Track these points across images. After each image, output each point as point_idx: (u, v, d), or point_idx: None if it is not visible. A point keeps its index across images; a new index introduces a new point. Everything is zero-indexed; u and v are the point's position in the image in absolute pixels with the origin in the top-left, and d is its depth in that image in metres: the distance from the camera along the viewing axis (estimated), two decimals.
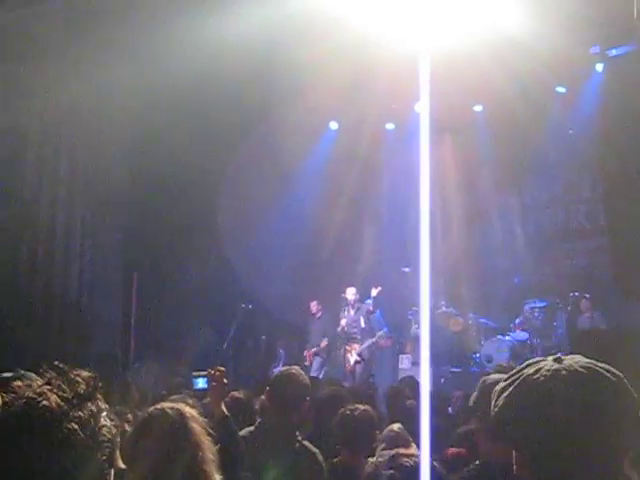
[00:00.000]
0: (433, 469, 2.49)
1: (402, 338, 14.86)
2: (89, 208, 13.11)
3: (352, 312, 13.83)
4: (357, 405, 5.50)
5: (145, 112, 12.73)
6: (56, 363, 1.70)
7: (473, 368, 13.68)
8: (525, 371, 1.88)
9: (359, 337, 13.69)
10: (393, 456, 2.53)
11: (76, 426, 1.61)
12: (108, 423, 1.70)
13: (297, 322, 15.40)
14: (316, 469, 4.75)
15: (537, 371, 1.85)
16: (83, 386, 1.67)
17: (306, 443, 4.84)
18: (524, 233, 16.01)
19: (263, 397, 6.35)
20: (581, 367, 1.83)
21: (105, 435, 1.66)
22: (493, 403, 1.91)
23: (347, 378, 13.27)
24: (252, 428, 4.88)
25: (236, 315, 14.45)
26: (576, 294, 13.66)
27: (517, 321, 14.24)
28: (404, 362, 14.11)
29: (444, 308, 14.62)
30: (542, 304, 14.09)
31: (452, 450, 5.22)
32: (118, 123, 12.94)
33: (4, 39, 11.12)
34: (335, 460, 5.10)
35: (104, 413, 1.71)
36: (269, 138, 14.19)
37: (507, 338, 13.93)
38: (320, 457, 4.83)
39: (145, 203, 13.78)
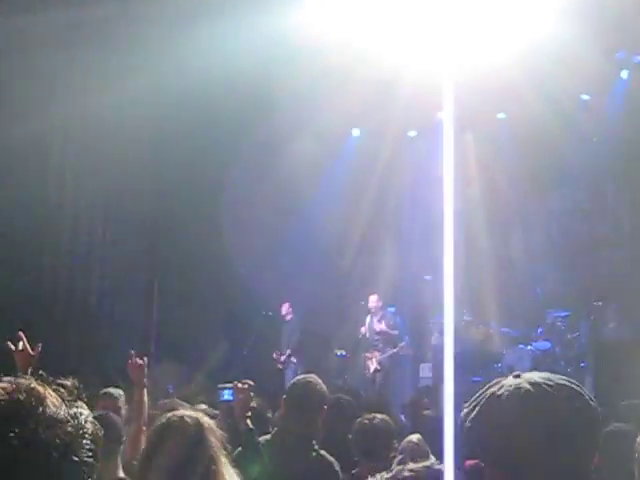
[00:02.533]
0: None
1: (423, 346, 14.80)
2: (112, 213, 13.16)
3: (375, 319, 13.78)
4: (375, 414, 5.46)
5: (165, 114, 12.77)
6: (41, 372, 1.70)
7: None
8: (488, 391, 1.95)
9: (380, 345, 13.63)
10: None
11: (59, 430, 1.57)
12: (91, 428, 1.65)
13: (320, 331, 15.40)
14: (333, 478, 4.70)
15: (499, 389, 1.92)
16: (66, 393, 1.65)
17: (323, 452, 4.79)
18: (548, 242, 15.90)
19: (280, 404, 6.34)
20: (541, 380, 1.89)
21: (89, 439, 1.62)
22: (463, 424, 1.96)
23: (367, 386, 13.24)
24: (269, 437, 4.84)
25: (256, 323, 14.47)
26: (600, 304, 13.54)
27: (539, 330, 14.13)
28: (425, 371, 14.04)
29: (466, 317, 14.53)
30: (565, 313, 13.97)
31: (470, 462, 5.15)
32: (140, 129, 12.96)
33: (22, 46, 11.22)
34: (354, 472, 5.04)
35: (89, 417, 1.66)
36: (289, 144, 14.17)
37: (529, 348, 13.81)
38: (337, 467, 4.78)
39: (169, 210, 13.81)
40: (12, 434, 1.53)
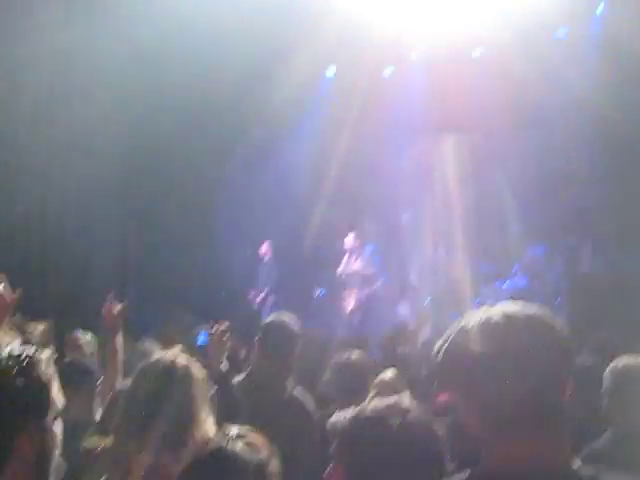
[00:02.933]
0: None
1: (401, 284, 14.87)
2: (85, 160, 13.01)
3: (353, 258, 13.80)
4: (350, 352, 5.47)
5: (139, 66, 12.59)
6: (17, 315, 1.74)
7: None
8: (460, 323, 1.95)
9: (357, 284, 13.66)
10: (377, 410, 2.44)
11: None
12: (35, 372, 1.69)
13: (296, 268, 15.45)
14: (305, 418, 4.72)
15: (471, 320, 1.92)
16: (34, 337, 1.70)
17: (296, 392, 4.81)
18: (523, 179, 15.92)
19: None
20: (512, 311, 1.90)
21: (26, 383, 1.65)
22: (435, 356, 1.98)
23: (344, 324, 13.33)
24: (242, 377, 4.84)
25: (236, 264, 14.46)
26: (575, 239, 13.65)
27: (516, 267, 14.24)
28: (404, 308, 14.14)
29: (443, 254, 14.60)
30: (541, 249, 14.07)
31: (442, 397, 5.19)
32: (118, 70, 12.77)
33: None
34: (330, 410, 5.08)
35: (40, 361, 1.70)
36: (263, 85, 13.99)
37: (506, 284, 13.94)
38: (310, 407, 4.79)
39: (145, 152, 13.65)
40: None
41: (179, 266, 14.42)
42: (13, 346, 1.65)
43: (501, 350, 1.81)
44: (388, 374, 5.17)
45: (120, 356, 4.83)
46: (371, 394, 4.95)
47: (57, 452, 1.75)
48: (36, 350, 1.70)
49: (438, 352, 1.96)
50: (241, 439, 2.45)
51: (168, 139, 13.75)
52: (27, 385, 1.64)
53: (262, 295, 14.33)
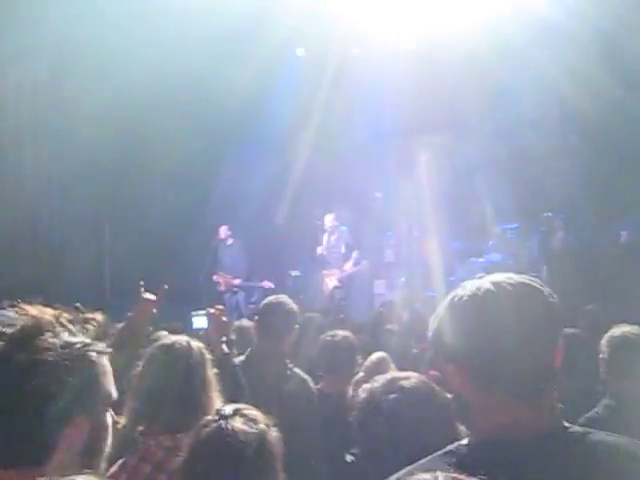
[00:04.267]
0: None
1: (376, 263, 14.91)
2: (57, 149, 12.88)
3: (332, 238, 13.79)
4: (337, 331, 5.52)
5: (108, 46, 12.45)
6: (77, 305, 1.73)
7: (448, 292, 13.68)
8: (452, 294, 2.00)
9: (339, 263, 13.67)
10: (390, 379, 2.50)
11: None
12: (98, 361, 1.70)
13: (270, 252, 15.43)
14: (309, 395, 4.78)
15: (462, 290, 1.97)
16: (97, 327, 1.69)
17: (297, 370, 4.86)
18: (495, 155, 16.00)
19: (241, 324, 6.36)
20: (502, 279, 1.94)
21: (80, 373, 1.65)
22: (430, 325, 2.02)
23: (323, 303, 13.33)
24: (242, 357, 4.87)
25: (210, 250, 14.39)
26: (549, 214, 13.75)
27: (490, 243, 14.33)
28: (379, 287, 14.19)
29: (416, 233, 14.66)
30: (515, 225, 14.18)
31: (431, 372, 5.26)
32: (82, 59, 12.63)
33: None
34: (318, 387, 5.12)
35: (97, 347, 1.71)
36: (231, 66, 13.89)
37: (481, 260, 14.03)
38: (311, 384, 4.85)
39: (114, 141, 13.51)
40: (18, 355, 1.58)
41: (151, 253, 14.36)
42: (68, 335, 1.65)
43: (491, 317, 1.84)
44: (374, 357, 5.25)
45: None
46: (360, 374, 5.01)
47: (108, 443, 1.75)
48: (91, 340, 1.69)
49: (431, 326, 1.99)
50: (238, 414, 2.49)
51: (143, 121, 13.62)
52: (79, 375, 1.65)
53: (228, 279, 14.25)
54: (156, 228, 14.35)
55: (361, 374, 5.07)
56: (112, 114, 12.89)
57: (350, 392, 4.93)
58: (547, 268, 12.73)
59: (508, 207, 14.71)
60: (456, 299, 1.94)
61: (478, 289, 1.90)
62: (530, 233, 14.10)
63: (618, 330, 4.32)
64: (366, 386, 2.56)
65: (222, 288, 14.22)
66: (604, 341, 4.31)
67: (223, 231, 14.38)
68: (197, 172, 14.82)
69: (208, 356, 3.36)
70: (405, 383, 2.46)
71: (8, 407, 1.56)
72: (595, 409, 4.20)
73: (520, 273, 2.02)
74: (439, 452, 1.93)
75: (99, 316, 1.72)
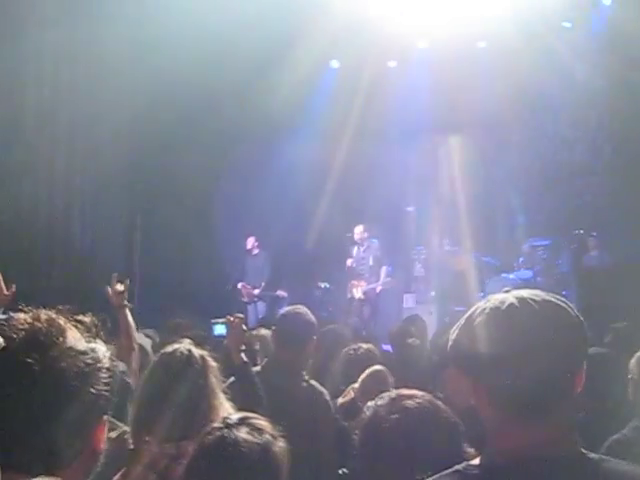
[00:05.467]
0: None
1: (406, 277, 14.87)
2: (89, 154, 12.99)
3: (361, 250, 13.77)
4: (360, 345, 5.49)
5: (146, 56, 12.55)
6: (61, 307, 1.73)
7: None
8: (475, 307, 1.95)
9: (367, 275, 13.64)
10: (394, 399, 2.47)
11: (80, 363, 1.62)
12: (109, 363, 1.70)
13: (301, 264, 15.43)
14: (325, 408, 4.75)
15: (486, 303, 1.93)
16: (84, 329, 1.68)
17: (313, 382, 4.83)
18: (528, 170, 15.91)
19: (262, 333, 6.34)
20: (527, 295, 1.89)
21: (106, 373, 1.65)
22: (450, 336, 1.97)
23: (351, 315, 13.30)
24: (259, 368, 4.85)
25: (239, 260, 14.45)
26: (581, 232, 13.62)
27: (521, 259, 14.22)
28: (408, 301, 14.13)
29: (447, 247, 14.59)
30: (546, 242, 14.05)
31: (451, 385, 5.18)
32: (120, 66, 12.75)
33: None
34: (340, 400, 5.08)
35: (106, 353, 1.71)
36: (267, 78, 13.94)
37: (511, 277, 13.89)
38: (327, 396, 4.82)
39: (147, 146, 13.63)
40: (32, 360, 1.57)
41: (182, 261, 14.45)
42: (80, 340, 1.66)
43: (512, 332, 1.81)
44: (373, 369, 5.16)
45: (133, 329, 5.05)
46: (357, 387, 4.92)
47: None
48: (103, 345, 1.71)
49: (451, 336, 1.96)
50: (244, 423, 2.47)
51: (170, 135, 13.73)
52: (110, 376, 1.67)
53: (258, 290, 14.31)
54: (188, 237, 14.45)
55: (355, 386, 4.97)
56: (147, 122, 13.02)
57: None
58: (578, 286, 12.61)
59: (540, 223, 14.62)
60: (478, 311, 1.91)
61: (502, 303, 1.87)
62: (561, 250, 13.96)
63: None
64: (370, 404, 2.54)
65: (244, 298, 14.30)
66: (634, 360, 4.21)
67: (250, 242, 14.47)
68: (230, 183, 14.90)
69: (212, 363, 3.34)
70: (409, 403, 2.43)
71: (42, 413, 1.57)
72: (623, 431, 4.10)
73: (550, 290, 1.98)
74: (446, 471, 1.90)
75: (87, 319, 1.73)
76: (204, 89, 13.28)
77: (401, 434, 2.36)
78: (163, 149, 13.80)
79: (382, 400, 2.49)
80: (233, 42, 12.49)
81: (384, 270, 13.56)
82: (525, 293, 1.90)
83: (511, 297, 1.88)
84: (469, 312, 1.94)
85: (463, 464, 1.91)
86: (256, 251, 14.51)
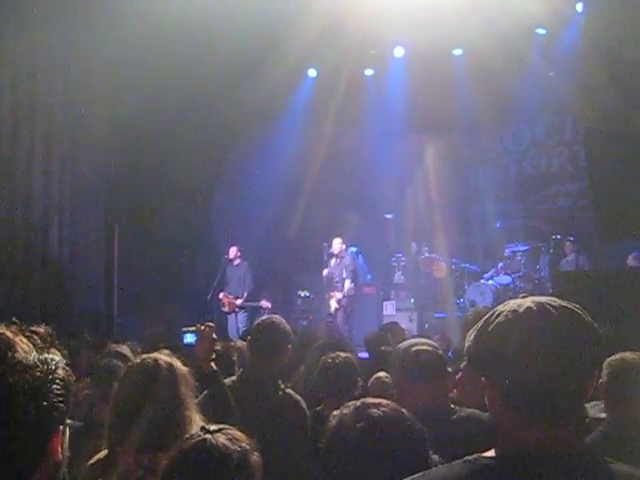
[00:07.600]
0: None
1: (386, 285, 14.90)
2: (67, 164, 12.92)
3: (337, 261, 13.76)
4: (338, 353, 5.48)
5: (123, 61, 12.52)
6: (14, 319, 1.70)
7: (457, 313, 13.68)
8: (492, 311, 1.98)
9: (340, 285, 13.63)
10: (359, 407, 2.49)
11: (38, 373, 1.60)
12: (62, 374, 1.67)
13: (281, 272, 15.43)
14: (300, 417, 4.74)
15: (503, 307, 1.96)
16: (39, 339, 1.66)
17: (289, 391, 4.82)
18: (505, 177, 16.00)
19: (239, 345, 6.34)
20: (545, 300, 1.93)
21: (59, 385, 1.64)
22: (467, 338, 2.01)
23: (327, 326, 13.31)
24: (234, 378, 4.84)
25: (220, 266, 14.41)
26: (559, 237, 13.71)
27: (500, 265, 14.29)
28: (388, 309, 14.15)
29: (427, 254, 14.63)
30: (525, 248, 14.13)
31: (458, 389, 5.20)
32: (97, 74, 12.71)
33: None
34: (318, 409, 5.08)
35: (59, 363, 1.67)
36: (244, 86, 13.94)
37: (490, 282, 13.98)
38: (304, 405, 4.81)
39: (125, 155, 13.57)
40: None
41: (161, 271, 14.40)
42: (33, 352, 1.65)
43: (529, 335, 1.85)
44: (381, 376, 5.21)
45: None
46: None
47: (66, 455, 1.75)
48: (56, 354, 1.69)
49: (468, 339, 2.00)
50: (222, 432, 2.49)
51: (149, 145, 13.66)
52: (64, 387, 1.64)
53: (231, 300, 14.27)
54: (166, 245, 14.41)
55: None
56: (124, 130, 12.99)
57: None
58: (557, 291, 12.68)
59: (518, 229, 14.70)
60: (496, 314, 1.95)
61: (519, 306, 1.91)
62: (540, 255, 14.05)
63: (620, 355, 4.26)
64: (335, 413, 2.54)
65: (226, 309, 14.27)
66: (605, 364, 4.26)
67: (233, 252, 14.40)
68: (209, 190, 14.89)
69: (182, 373, 3.30)
70: (374, 412, 2.44)
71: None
72: (592, 434, 4.14)
73: (529, 295, 2.03)
74: (456, 462, 1.93)
75: (41, 329, 1.72)
76: (180, 103, 13.26)
77: (366, 442, 2.38)
78: (142, 158, 13.74)
79: (347, 409, 2.49)
80: (211, 48, 12.47)
81: (348, 283, 13.54)
82: (543, 298, 1.94)
83: (529, 302, 1.92)
84: (487, 315, 1.98)
85: (474, 455, 1.93)
86: (237, 261, 14.46)
